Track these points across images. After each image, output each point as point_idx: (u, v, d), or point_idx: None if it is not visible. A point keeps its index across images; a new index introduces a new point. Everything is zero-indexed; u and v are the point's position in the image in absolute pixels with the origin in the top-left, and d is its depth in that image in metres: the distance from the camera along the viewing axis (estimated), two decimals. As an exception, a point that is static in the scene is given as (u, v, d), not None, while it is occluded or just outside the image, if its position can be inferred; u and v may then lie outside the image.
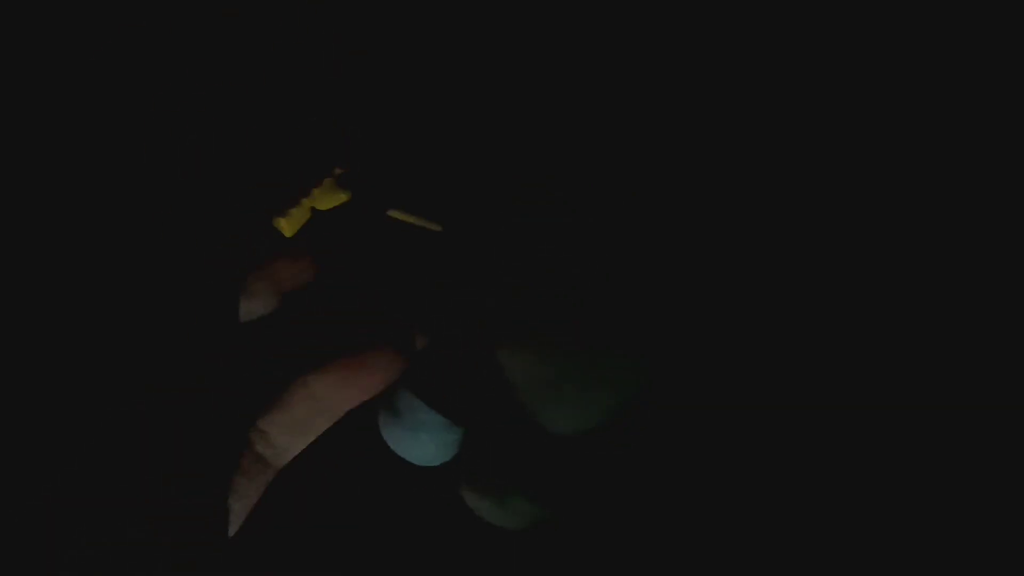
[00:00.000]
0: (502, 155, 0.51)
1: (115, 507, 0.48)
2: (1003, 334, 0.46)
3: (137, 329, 0.53)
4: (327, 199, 0.52)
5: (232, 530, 0.49)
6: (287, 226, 0.52)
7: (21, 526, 0.48)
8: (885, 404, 0.47)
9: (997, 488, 0.45)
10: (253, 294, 0.52)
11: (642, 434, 0.49)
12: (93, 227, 0.54)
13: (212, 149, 0.54)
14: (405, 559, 0.52)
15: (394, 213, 0.51)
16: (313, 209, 0.52)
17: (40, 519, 0.48)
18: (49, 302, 0.53)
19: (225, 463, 0.50)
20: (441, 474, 0.52)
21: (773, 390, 0.48)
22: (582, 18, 0.52)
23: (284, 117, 0.53)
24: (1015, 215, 0.47)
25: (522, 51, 0.52)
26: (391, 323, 0.51)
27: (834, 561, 0.46)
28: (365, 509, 0.52)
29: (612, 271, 0.48)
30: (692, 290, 0.49)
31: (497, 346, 0.49)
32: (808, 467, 0.47)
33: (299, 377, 0.49)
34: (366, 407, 0.51)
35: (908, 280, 0.48)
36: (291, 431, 0.49)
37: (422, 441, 0.51)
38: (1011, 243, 0.47)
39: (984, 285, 0.47)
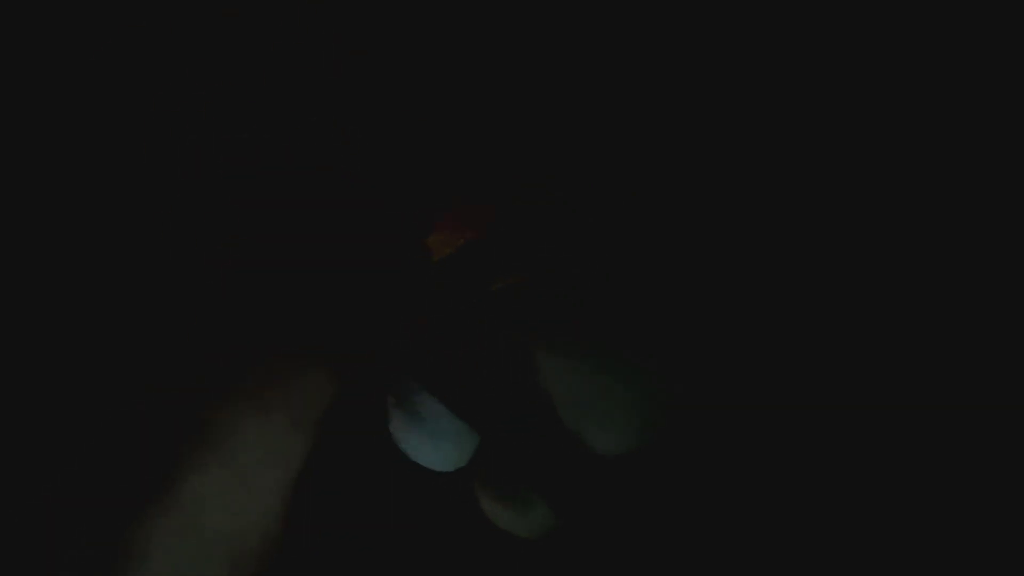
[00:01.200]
0: (502, 155, 0.51)
1: (115, 507, 0.48)
2: (1006, 334, 0.47)
3: (137, 329, 0.53)
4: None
5: None
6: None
7: (21, 526, 0.48)
8: (899, 405, 0.47)
9: (1003, 488, 0.45)
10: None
11: (666, 446, 0.49)
12: (93, 227, 0.54)
13: (212, 149, 0.54)
14: (418, 566, 0.52)
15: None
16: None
17: (40, 519, 0.48)
18: (49, 302, 0.53)
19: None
20: (454, 479, 0.52)
21: (797, 408, 0.48)
22: (582, 18, 0.52)
23: (284, 117, 0.53)
24: (1015, 215, 0.47)
25: (522, 51, 0.52)
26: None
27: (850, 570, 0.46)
28: (377, 514, 0.52)
29: (612, 272, 0.48)
30: (704, 297, 0.49)
31: (545, 368, 0.49)
32: (818, 481, 0.47)
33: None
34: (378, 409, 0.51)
35: (911, 277, 0.48)
36: None
37: (442, 448, 0.51)
38: (1011, 243, 0.47)
39: (993, 285, 0.47)
